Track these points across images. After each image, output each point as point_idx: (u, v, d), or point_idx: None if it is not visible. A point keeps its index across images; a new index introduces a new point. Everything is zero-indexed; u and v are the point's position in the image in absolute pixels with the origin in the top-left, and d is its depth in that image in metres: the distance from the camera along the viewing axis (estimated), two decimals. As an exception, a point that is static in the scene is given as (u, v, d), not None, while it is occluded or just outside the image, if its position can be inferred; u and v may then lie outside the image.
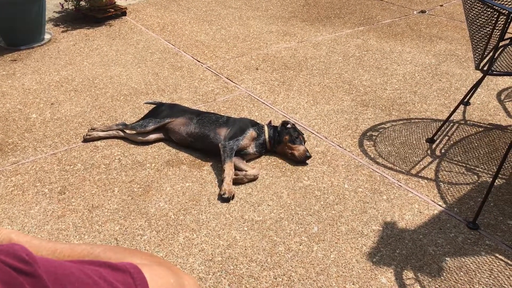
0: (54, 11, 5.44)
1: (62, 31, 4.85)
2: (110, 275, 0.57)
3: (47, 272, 0.51)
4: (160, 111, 2.88)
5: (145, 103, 3.23)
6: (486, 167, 2.62)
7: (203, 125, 2.74)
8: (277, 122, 2.92)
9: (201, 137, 2.71)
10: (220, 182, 2.45)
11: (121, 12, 5.24)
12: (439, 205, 2.32)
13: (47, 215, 2.27)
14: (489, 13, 2.32)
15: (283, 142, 2.67)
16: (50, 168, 2.63)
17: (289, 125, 2.73)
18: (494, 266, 1.96)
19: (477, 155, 2.72)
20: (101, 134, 2.88)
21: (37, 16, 4.37)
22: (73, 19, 5.19)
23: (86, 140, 2.86)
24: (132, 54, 4.22)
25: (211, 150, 2.68)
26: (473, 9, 2.42)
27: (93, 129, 2.91)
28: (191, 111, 2.88)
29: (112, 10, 5.14)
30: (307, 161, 2.64)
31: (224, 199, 2.33)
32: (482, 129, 3.00)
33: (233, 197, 2.36)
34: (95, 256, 0.69)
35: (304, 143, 2.71)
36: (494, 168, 2.59)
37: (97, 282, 0.55)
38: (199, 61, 4.05)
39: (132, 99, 3.38)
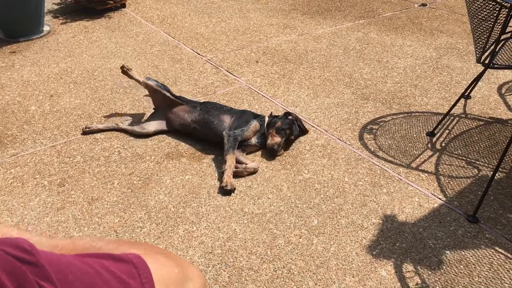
0: (53, 3, 5.42)
1: (61, 23, 4.82)
2: (113, 266, 0.57)
3: (50, 263, 0.51)
4: (166, 87, 2.98)
5: (145, 96, 3.22)
6: (486, 160, 2.61)
7: (207, 111, 2.74)
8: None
9: (206, 123, 2.70)
10: (220, 174, 2.45)
11: (121, 4, 5.21)
12: (439, 198, 2.32)
13: (46, 207, 2.26)
14: (491, 6, 2.31)
15: (272, 127, 2.66)
16: (50, 160, 2.62)
17: (290, 117, 2.73)
18: (494, 259, 1.96)
19: (477, 148, 2.72)
20: (101, 126, 2.88)
21: (36, 8, 4.34)
22: (72, 11, 5.16)
23: (85, 133, 2.85)
24: (132, 46, 4.20)
25: (214, 138, 2.67)
26: (475, 2, 2.41)
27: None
28: (194, 101, 2.90)
29: (112, 2, 5.11)
30: (273, 153, 2.61)
31: (226, 191, 2.33)
32: (483, 122, 2.99)
33: (234, 190, 2.35)
34: (97, 249, 0.69)
35: (289, 141, 2.67)
36: (495, 161, 2.59)
37: (99, 272, 0.55)
38: (199, 54, 4.03)
39: (131, 92, 3.36)
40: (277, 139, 2.61)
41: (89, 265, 0.55)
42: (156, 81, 2.97)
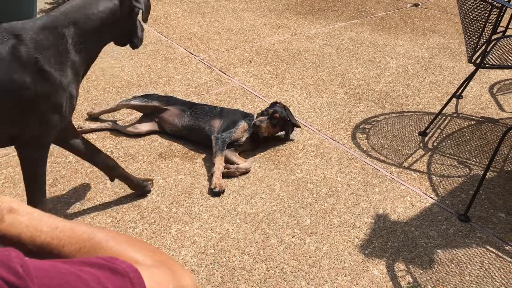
0: (45, 2, 5.38)
1: (54, 23, 4.79)
2: (109, 279, 0.56)
3: (41, 285, 0.50)
4: (152, 96, 2.94)
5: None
6: (477, 160, 2.63)
7: (197, 117, 2.73)
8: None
9: (196, 129, 2.70)
10: (210, 176, 2.44)
11: (114, 4, 5.19)
12: (431, 197, 2.33)
13: (38, 208, 2.25)
14: (482, 6, 2.33)
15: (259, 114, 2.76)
16: (42, 160, 2.60)
17: (277, 103, 2.77)
18: (485, 258, 1.97)
19: (469, 148, 2.73)
20: (93, 126, 2.87)
21: (28, 7, 4.32)
22: (65, 11, 5.13)
23: (78, 133, 2.84)
24: (125, 46, 4.18)
25: (205, 142, 2.67)
26: (467, 2, 2.43)
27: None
28: (183, 102, 2.88)
29: (104, 1, 5.09)
30: (257, 130, 2.64)
31: (215, 193, 2.32)
32: (474, 122, 3.01)
33: (223, 192, 2.35)
34: (95, 242, 0.67)
35: (274, 119, 2.66)
36: (486, 161, 2.61)
37: None
38: (192, 54, 4.03)
39: (124, 91, 3.35)
40: (261, 117, 2.67)
41: (84, 281, 0.54)
42: (137, 96, 2.93)
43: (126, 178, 2.24)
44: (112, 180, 2.26)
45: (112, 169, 2.18)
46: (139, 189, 2.30)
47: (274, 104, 2.78)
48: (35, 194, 1.86)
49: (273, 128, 2.68)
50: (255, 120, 2.65)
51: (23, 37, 1.59)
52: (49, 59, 1.64)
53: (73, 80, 1.79)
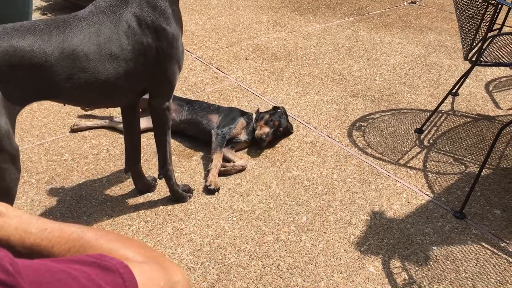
0: (41, 0, 5.37)
1: (50, 20, 4.78)
2: (99, 276, 0.56)
3: (32, 283, 0.50)
4: None
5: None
6: (473, 157, 2.63)
7: (195, 112, 2.74)
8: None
9: (194, 123, 2.71)
10: (206, 173, 2.44)
11: (110, 1, 5.17)
12: (426, 194, 2.34)
13: (34, 205, 2.25)
14: (478, 3, 2.33)
15: (261, 120, 2.69)
16: (37, 158, 2.60)
17: (279, 110, 2.74)
18: (481, 255, 1.98)
19: (464, 145, 2.74)
20: (89, 124, 2.86)
21: (23, 5, 4.29)
22: (61, 8, 5.12)
23: (73, 131, 2.83)
24: (121, 43, 4.17)
25: (203, 137, 2.67)
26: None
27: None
28: (180, 98, 2.89)
29: (101, -1, 5.07)
30: (260, 144, 2.64)
31: (210, 190, 2.32)
32: (470, 119, 3.02)
33: (218, 190, 2.34)
34: (85, 241, 0.67)
35: (278, 132, 2.68)
36: (482, 158, 2.61)
37: (85, 285, 0.54)
38: (188, 51, 4.02)
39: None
40: (266, 129, 2.62)
41: (75, 278, 0.53)
42: None
43: (139, 174, 2.29)
44: (126, 172, 2.29)
45: (136, 158, 2.23)
46: (146, 188, 2.32)
47: (276, 109, 2.76)
48: (164, 143, 2.10)
49: (273, 137, 2.69)
50: (259, 132, 2.62)
51: (134, 4, 1.77)
52: (159, 16, 1.82)
53: (180, 31, 1.96)
